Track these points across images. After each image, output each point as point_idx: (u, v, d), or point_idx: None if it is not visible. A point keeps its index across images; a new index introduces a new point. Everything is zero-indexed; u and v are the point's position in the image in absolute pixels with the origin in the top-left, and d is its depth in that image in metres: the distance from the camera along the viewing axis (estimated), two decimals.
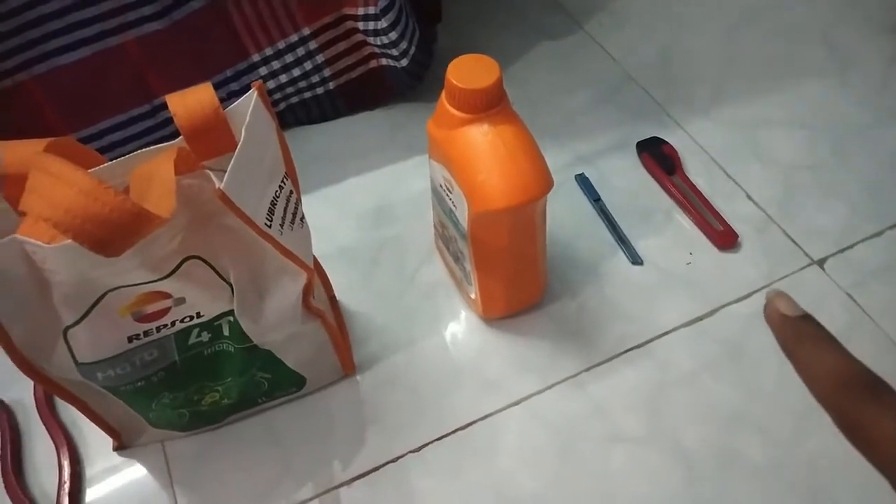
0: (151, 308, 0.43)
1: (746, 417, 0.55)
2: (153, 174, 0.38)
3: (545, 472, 0.53)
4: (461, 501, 0.52)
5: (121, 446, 0.55)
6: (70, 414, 0.56)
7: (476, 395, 0.57)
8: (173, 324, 0.45)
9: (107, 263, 0.36)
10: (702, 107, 0.75)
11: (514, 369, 0.58)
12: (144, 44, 0.65)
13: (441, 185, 0.54)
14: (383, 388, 0.57)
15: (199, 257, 0.43)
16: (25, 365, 0.42)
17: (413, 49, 0.70)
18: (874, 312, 0.59)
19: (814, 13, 0.84)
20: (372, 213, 0.68)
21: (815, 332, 0.27)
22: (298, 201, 0.48)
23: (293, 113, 0.75)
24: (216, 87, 0.42)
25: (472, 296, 0.59)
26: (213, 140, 0.42)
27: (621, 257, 0.64)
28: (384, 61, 0.73)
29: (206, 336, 0.47)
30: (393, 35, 0.68)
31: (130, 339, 0.44)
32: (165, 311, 0.44)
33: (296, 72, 0.72)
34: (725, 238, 0.64)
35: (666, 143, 0.71)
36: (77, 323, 0.42)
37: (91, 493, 0.53)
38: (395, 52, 0.70)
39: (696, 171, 0.70)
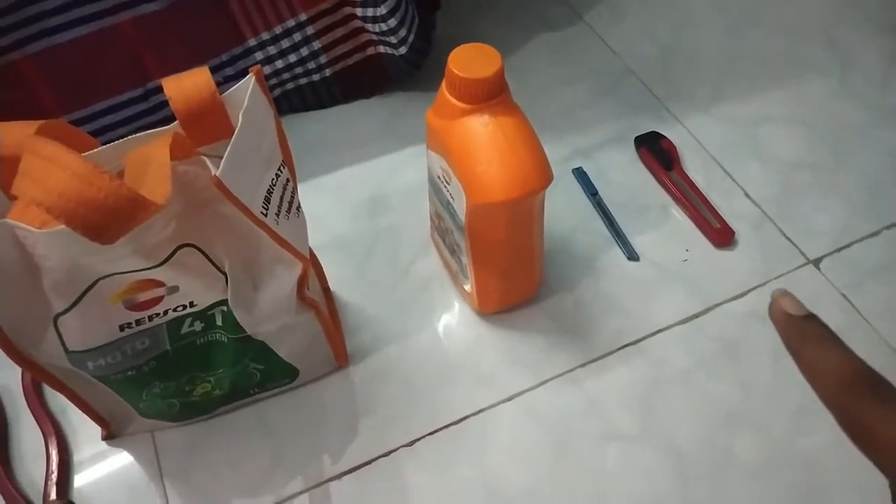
0: (144, 296, 0.42)
1: (741, 416, 0.54)
2: (149, 159, 0.37)
3: (538, 468, 0.53)
4: (453, 497, 0.51)
5: (110, 436, 0.54)
6: (58, 402, 0.56)
7: (469, 389, 0.56)
8: (166, 313, 0.44)
9: (99, 250, 0.35)
10: (701, 103, 0.75)
11: (508, 364, 0.57)
12: (140, 25, 0.64)
13: (439, 176, 0.53)
14: (376, 381, 0.57)
15: (193, 245, 0.42)
16: (14, 351, 0.41)
17: (412, 37, 0.70)
18: (869, 313, 0.59)
19: (815, 11, 0.83)
20: (367, 202, 0.68)
21: (819, 332, 0.27)
22: (295, 190, 0.47)
23: (288, 99, 0.74)
24: (211, 71, 0.41)
25: (468, 289, 0.58)
26: (209, 125, 0.41)
27: (617, 252, 0.64)
28: (382, 49, 0.72)
29: (198, 326, 0.46)
30: (392, 22, 0.67)
31: (122, 328, 0.43)
32: (158, 300, 0.43)
33: (292, 57, 0.71)
34: (722, 235, 0.64)
35: (664, 138, 0.71)
36: (68, 310, 0.41)
37: (79, 483, 0.53)
38: (393, 39, 0.69)
39: (695, 167, 0.69)
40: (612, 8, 0.85)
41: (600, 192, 0.67)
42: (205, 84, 0.40)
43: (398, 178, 0.69)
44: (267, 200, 0.42)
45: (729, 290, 0.61)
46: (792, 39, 0.81)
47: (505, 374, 0.57)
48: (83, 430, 0.54)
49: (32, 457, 0.53)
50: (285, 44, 0.70)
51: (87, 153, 0.39)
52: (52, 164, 0.33)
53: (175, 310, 0.44)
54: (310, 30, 0.70)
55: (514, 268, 0.56)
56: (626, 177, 0.69)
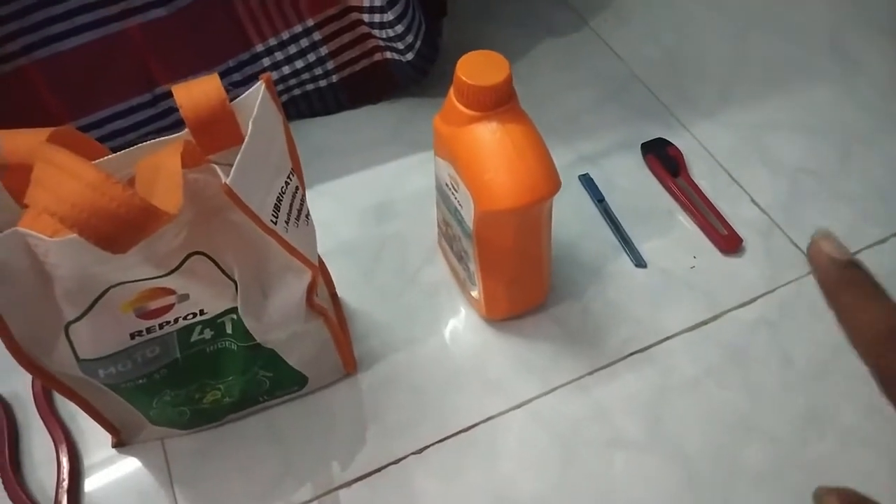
0: (154, 304, 0.42)
1: (749, 423, 0.54)
2: (159, 167, 0.37)
3: (546, 475, 0.52)
4: None
5: (120, 443, 0.54)
6: (69, 409, 0.56)
7: (478, 396, 0.56)
8: (176, 321, 0.44)
9: (111, 259, 0.35)
10: (708, 109, 0.75)
11: (516, 371, 0.57)
12: (148, 30, 0.64)
13: (447, 184, 0.53)
14: (384, 388, 0.57)
15: (203, 253, 0.42)
16: (25, 360, 0.41)
17: (419, 43, 0.70)
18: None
19: (820, 17, 0.83)
20: (374, 209, 0.68)
21: (862, 279, 0.25)
22: (304, 198, 0.47)
23: (295, 105, 0.74)
24: (218, 76, 0.41)
25: (475, 295, 0.58)
26: (219, 133, 0.41)
27: (625, 259, 0.64)
28: (389, 55, 0.72)
29: (208, 333, 0.46)
30: (399, 28, 0.67)
31: (132, 336, 0.43)
32: (169, 308, 0.43)
33: (299, 63, 0.71)
34: (729, 242, 0.64)
35: (671, 144, 0.71)
36: (79, 318, 0.41)
37: (89, 490, 0.53)
38: (400, 45, 0.70)
39: (701, 173, 0.69)
40: (618, 14, 0.85)
41: (607, 199, 0.67)
42: (214, 92, 0.40)
43: (405, 184, 0.69)
44: (276, 208, 0.42)
45: (737, 297, 0.61)
46: (798, 45, 0.81)
47: (513, 381, 0.57)
48: (93, 437, 0.54)
49: (43, 464, 0.53)
50: (292, 49, 0.70)
51: (97, 161, 0.39)
52: (64, 173, 0.33)
53: (185, 318, 0.44)
54: (317, 35, 0.70)
55: (521, 275, 0.56)
56: (632, 183, 0.69)
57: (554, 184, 0.49)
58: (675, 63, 0.80)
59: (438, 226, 0.62)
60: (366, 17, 0.69)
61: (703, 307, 0.61)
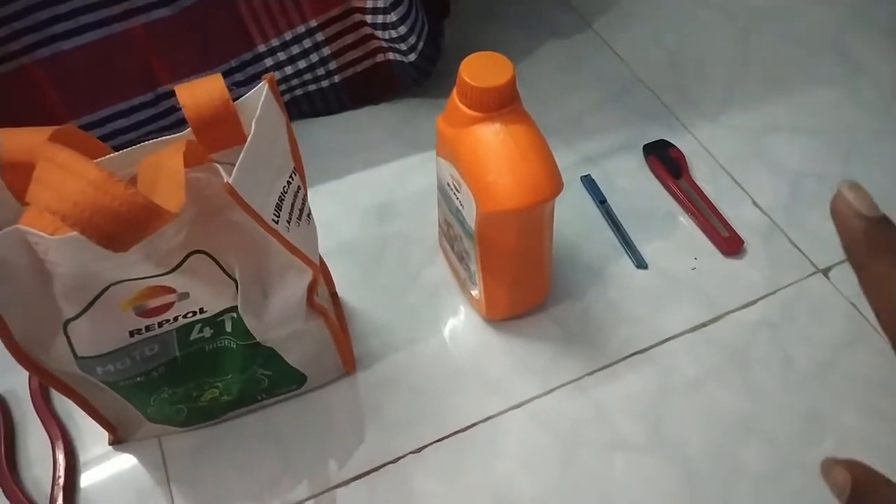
0: (154, 303, 0.42)
1: (749, 425, 0.54)
2: (161, 166, 0.37)
3: (546, 476, 0.52)
4: None
5: (117, 440, 0.54)
6: (65, 406, 0.56)
7: (477, 396, 0.56)
8: (176, 319, 0.44)
9: (111, 257, 0.35)
10: (710, 111, 0.75)
11: (516, 371, 0.57)
12: (151, 30, 0.64)
13: (448, 184, 0.53)
14: (384, 387, 0.57)
15: (204, 252, 0.42)
16: (24, 357, 0.41)
17: (421, 44, 0.70)
18: (878, 323, 0.59)
19: (823, 20, 0.83)
20: (375, 209, 0.68)
21: (890, 244, 0.23)
22: (305, 197, 0.47)
23: (297, 106, 0.74)
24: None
25: (476, 296, 0.58)
26: (221, 132, 0.41)
27: (626, 260, 0.64)
28: (391, 56, 0.72)
29: (208, 332, 0.46)
30: (402, 29, 0.67)
31: (132, 334, 0.43)
32: (168, 306, 0.43)
33: (301, 64, 0.71)
34: (731, 244, 0.64)
35: (673, 146, 0.71)
36: (78, 316, 0.41)
37: (85, 488, 0.53)
38: (403, 46, 0.70)
39: (703, 175, 0.69)
40: (621, 16, 0.85)
41: (609, 200, 0.67)
42: (218, 91, 0.40)
43: (407, 184, 0.69)
44: (278, 208, 0.42)
45: (738, 299, 0.61)
46: (800, 48, 0.81)
47: (513, 382, 0.57)
48: (90, 434, 0.54)
49: (39, 461, 0.53)
50: (295, 50, 0.70)
51: (99, 160, 0.39)
52: (66, 172, 0.33)
53: (185, 316, 0.44)
54: (319, 36, 0.70)
55: (522, 275, 0.56)
56: (634, 185, 0.69)
57: (557, 185, 0.49)
58: (678, 65, 0.80)
59: (440, 226, 0.62)
60: (369, 18, 0.69)
61: (704, 308, 0.60)
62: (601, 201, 0.67)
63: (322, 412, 0.55)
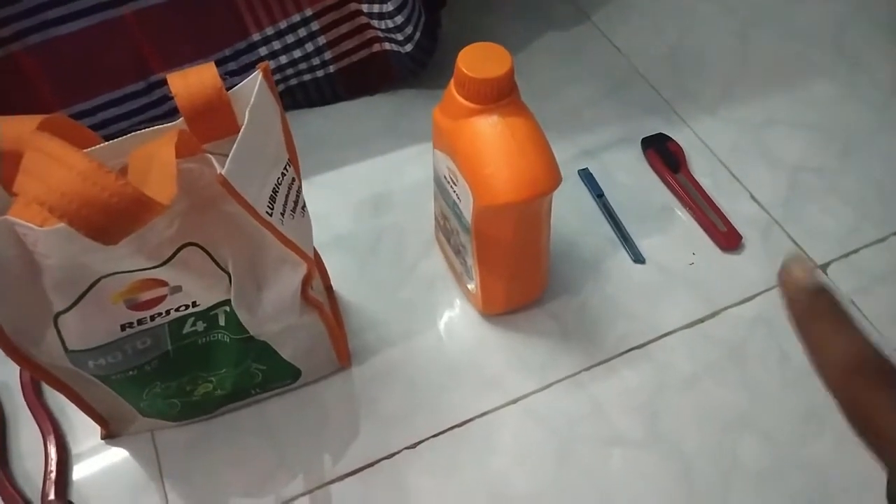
0: (146, 296, 0.42)
1: (747, 421, 0.54)
2: (153, 157, 0.36)
3: (542, 472, 0.52)
4: (456, 500, 0.51)
5: (109, 435, 0.53)
6: (57, 400, 0.55)
7: (473, 391, 0.56)
8: (168, 312, 0.43)
9: (101, 249, 0.34)
10: (709, 105, 0.74)
11: (512, 367, 0.57)
12: (144, 17, 0.63)
13: (445, 177, 0.52)
14: (379, 382, 0.56)
15: (196, 244, 0.41)
16: (13, 350, 0.41)
17: (418, 34, 0.69)
18: (877, 319, 0.59)
19: (823, 15, 0.83)
20: (371, 201, 0.67)
21: (830, 310, 0.25)
22: (300, 189, 0.46)
23: (292, 95, 0.73)
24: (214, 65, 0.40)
25: (472, 290, 0.57)
26: (214, 122, 0.40)
27: (623, 255, 0.63)
28: (387, 46, 0.72)
29: (200, 326, 0.45)
30: (399, 19, 0.66)
31: (123, 328, 0.42)
32: (160, 300, 0.42)
33: (296, 53, 0.70)
34: (729, 239, 0.63)
35: (671, 140, 0.70)
36: (68, 309, 0.40)
37: (77, 482, 0.52)
38: (399, 36, 0.69)
39: (702, 169, 0.69)
40: (620, 8, 0.84)
41: (606, 194, 0.67)
42: (211, 80, 0.39)
43: (403, 176, 0.68)
44: (272, 199, 0.41)
45: (735, 295, 0.61)
46: (800, 43, 0.80)
47: (509, 377, 0.56)
48: (82, 429, 0.54)
49: (30, 455, 0.53)
50: (290, 39, 0.69)
51: (90, 149, 0.39)
52: (55, 162, 0.32)
53: (177, 309, 0.44)
54: (315, 25, 0.69)
55: (519, 269, 0.56)
56: (632, 178, 0.68)
57: (555, 178, 0.48)
58: (677, 58, 0.79)
59: (436, 219, 0.61)
60: (365, 8, 0.68)
61: (702, 304, 0.60)
62: (599, 195, 0.67)
63: (317, 407, 0.55)
